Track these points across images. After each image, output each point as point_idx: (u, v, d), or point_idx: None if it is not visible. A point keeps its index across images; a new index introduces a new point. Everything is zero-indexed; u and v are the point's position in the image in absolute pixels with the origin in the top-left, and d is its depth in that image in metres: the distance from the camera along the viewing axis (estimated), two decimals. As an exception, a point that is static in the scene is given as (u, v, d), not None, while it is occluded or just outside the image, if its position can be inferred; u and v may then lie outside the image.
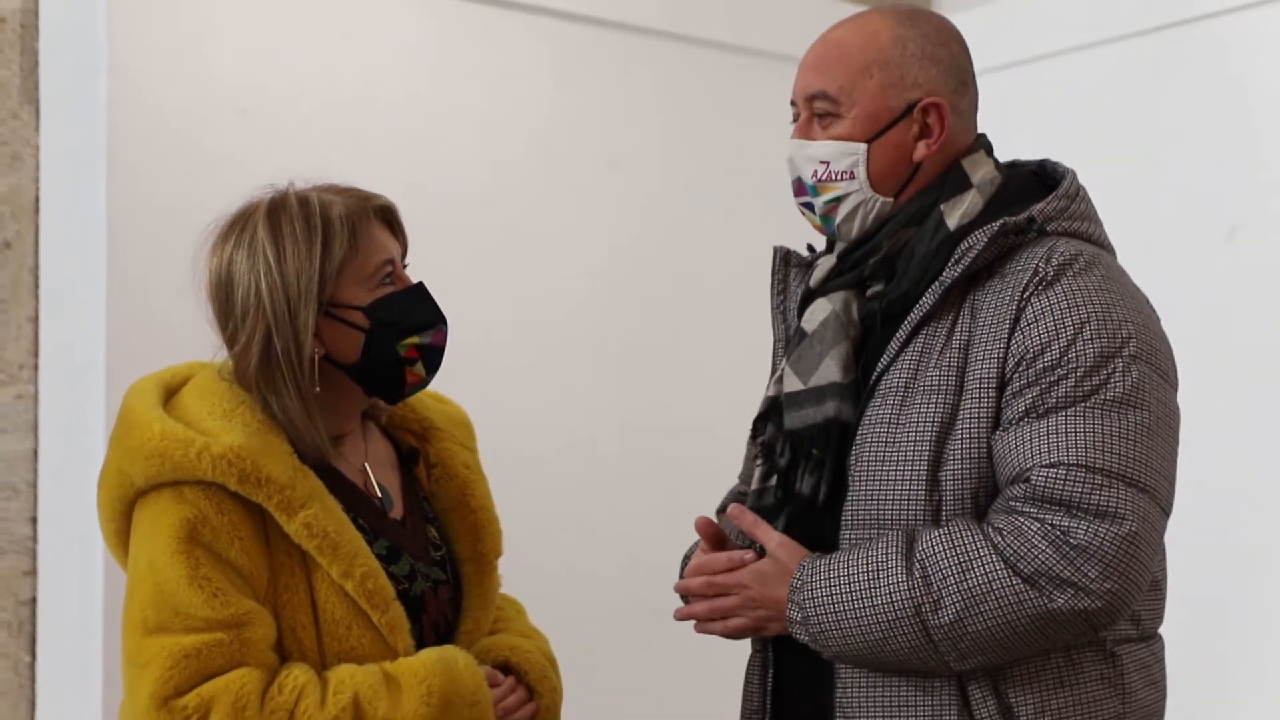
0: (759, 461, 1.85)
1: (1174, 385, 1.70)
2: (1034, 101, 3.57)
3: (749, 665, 1.87)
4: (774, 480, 1.80)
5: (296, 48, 2.94)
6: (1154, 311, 1.73)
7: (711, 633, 1.79)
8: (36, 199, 2.68)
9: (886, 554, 1.64)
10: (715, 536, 1.80)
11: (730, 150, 3.57)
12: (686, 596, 1.81)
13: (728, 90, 3.57)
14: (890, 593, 1.62)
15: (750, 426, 1.90)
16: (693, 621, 1.80)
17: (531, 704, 1.88)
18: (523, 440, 3.14)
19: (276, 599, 1.73)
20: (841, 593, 1.65)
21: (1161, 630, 1.79)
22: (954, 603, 1.60)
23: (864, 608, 1.63)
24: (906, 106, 1.75)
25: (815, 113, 1.78)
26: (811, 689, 1.77)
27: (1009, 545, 1.59)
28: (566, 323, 3.32)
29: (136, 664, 1.68)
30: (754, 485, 1.85)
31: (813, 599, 1.66)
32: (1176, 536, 1.80)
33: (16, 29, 2.68)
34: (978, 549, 1.60)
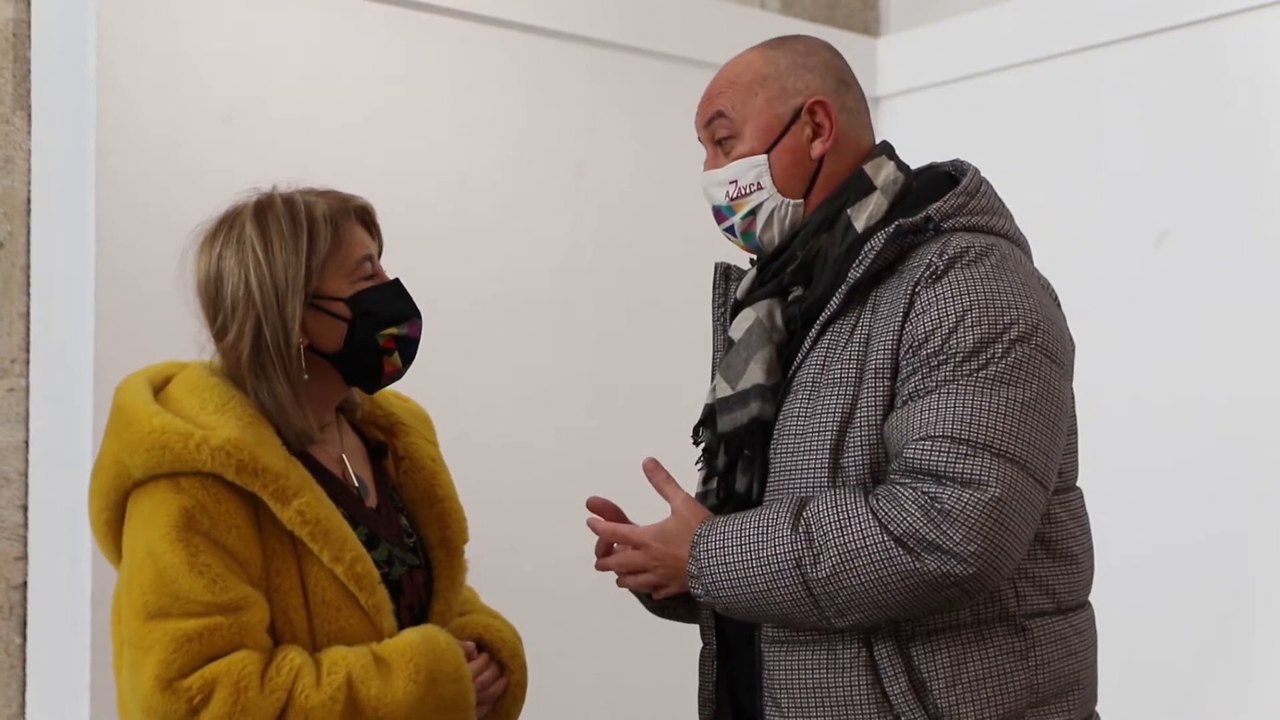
0: (700, 466, 1.92)
1: (1063, 366, 1.73)
2: (972, 115, 3.56)
3: (701, 656, 1.92)
4: (715, 483, 1.86)
5: (278, 60, 2.95)
6: (1048, 297, 1.76)
7: (625, 586, 1.86)
8: (28, 200, 2.69)
9: (777, 514, 1.68)
10: (612, 512, 1.88)
11: (686, 154, 3.54)
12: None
13: (682, 99, 3.51)
14: (775, 547, 1.66)
15: (691, 433, 1.95)
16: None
17: (503, 679, 1.96)
18: (487, 431, 3.17)
19: (269, 583, 1.76)
20: (732, 548, 1.69)
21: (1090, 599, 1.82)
22: (831, 558, 1.63)
23: (751, 561, 1.67)
24: (794, 112, 1.84)
25: (716, 140, 1.88)
26: (753, 677, 1.81)
27: (883, 508, 1.63)
28: (531, 319, 3.35)
29: (139, 648, 1.70)
30: (698, 489, 1.91)
31: (708, 553, 1.71)
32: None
33: (9, 38, 2.67)
34: (857, 509, 1.64)
